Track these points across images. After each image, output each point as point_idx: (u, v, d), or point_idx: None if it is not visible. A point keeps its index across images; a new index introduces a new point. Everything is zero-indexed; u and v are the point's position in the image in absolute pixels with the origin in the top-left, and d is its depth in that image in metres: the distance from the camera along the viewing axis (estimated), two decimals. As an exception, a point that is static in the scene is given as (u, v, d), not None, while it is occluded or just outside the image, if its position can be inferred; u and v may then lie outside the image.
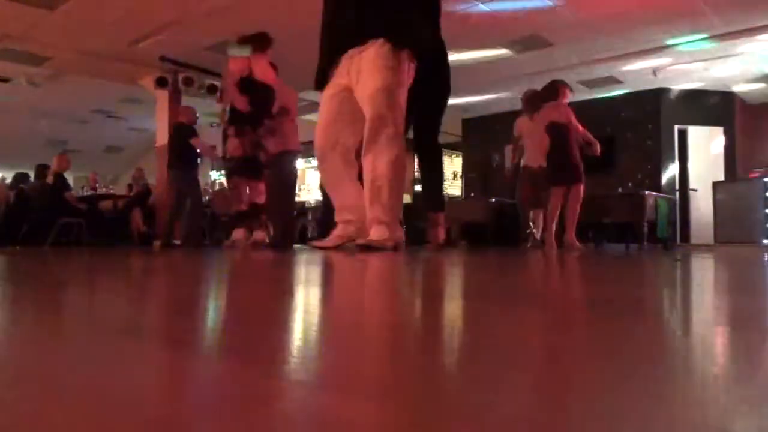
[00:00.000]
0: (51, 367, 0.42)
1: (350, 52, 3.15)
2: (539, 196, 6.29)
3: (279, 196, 5.43)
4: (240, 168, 5.23)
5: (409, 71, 3.15)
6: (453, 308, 0.87)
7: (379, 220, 3.10)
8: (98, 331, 0.61)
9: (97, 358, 0.47)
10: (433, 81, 3.43)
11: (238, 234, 5.34)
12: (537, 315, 0.79)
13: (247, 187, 5.34)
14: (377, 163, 3.08)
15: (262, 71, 5.01)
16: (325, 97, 3.32)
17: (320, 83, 3.35)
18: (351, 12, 3.17)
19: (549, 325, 0.70)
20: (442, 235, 3.71)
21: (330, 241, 3.29)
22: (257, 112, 5.03)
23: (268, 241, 5.31)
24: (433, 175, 3.87)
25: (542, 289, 1.27)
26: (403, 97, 3.11)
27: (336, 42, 3.25)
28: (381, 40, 3.06)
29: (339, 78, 3.22)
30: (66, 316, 0.80)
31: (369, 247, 2.98)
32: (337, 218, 3.38)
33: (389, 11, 3.13)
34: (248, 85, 5.04)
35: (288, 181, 5.58)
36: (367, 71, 3.09)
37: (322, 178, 3.57)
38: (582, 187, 6.03)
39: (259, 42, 5.05)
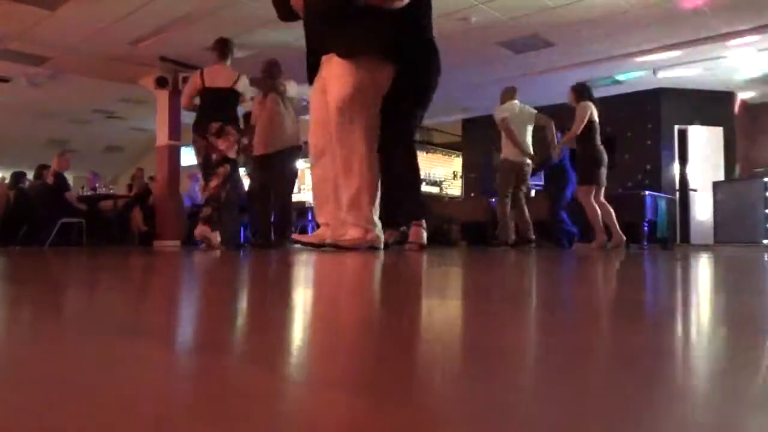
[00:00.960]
0: (51, 367, 0.42)
1: (323, 58, 3.30)
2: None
3: (278, 194, 5.45)
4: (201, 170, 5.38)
5: (377, 75, 3.20)
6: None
7: (353, 222, 3.15)
8: (99, 331, 0.61)
9: (97, 358, 0.47)
10: (412, 82, 3.42)
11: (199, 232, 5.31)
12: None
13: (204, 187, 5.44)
14: (343, 168, 3.17)
15: (224, 78, 5.16)
16: (314, 92, 3.40)
17: (312, 79, 3.45)
18: (316, 21, 3.31)
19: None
20: (423, 236, 3.59)
21: (314, 237, 3.33)
22: (211, 118, 5.13)
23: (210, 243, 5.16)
24: (410, 176, 3.77)
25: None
26: (368, 100, 3.17)
27: (311, 45, 3.41)
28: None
29: (322, 74, 3.34)
30: (71, 317, 0.80)
31: (341, 247, 3.02)
32: (318, 219, 3.46)
33: (352, 20, 3.18)
34: (206, 92, 5.19)
35: (286, 178, 5.58)
36: (329, 79, 3.21)
37: (313, 176, 3.55)
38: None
39: (219, 49, 5.27)
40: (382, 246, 3.27)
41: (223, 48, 5.26)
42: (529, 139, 6.54)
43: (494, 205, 6.64)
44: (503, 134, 6.37)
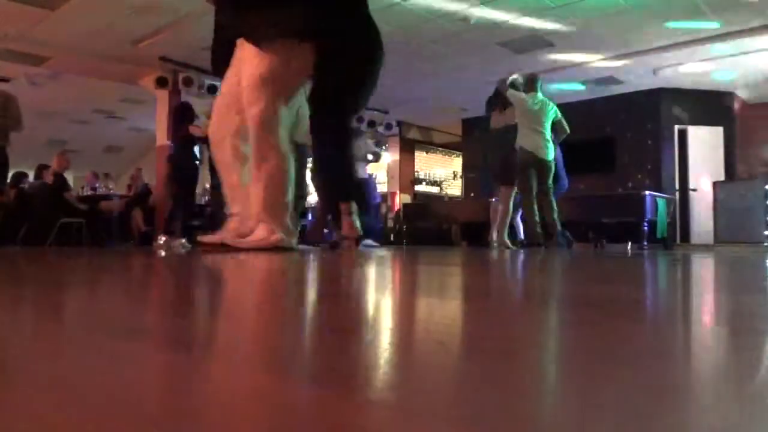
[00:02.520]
0: (51, 367, 0.42)
1: (237, 42, 3.08)
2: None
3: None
4: None
5: (294, 60, 2.96)
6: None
7: (258, 219, 2.94)
8: (97, 331, 0.61)
9: (98, 358, 0.47)
10: (342, 63, 3.15)
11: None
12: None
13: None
14: (253, 160, 2.95)
15: None
16: (226, 77, 3.19)
17: (218, 71, 3.24)
18: (229, 5, 3.10)
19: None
20: (354, 228, 3.33)
21: (218, 236, 3.08)
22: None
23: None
24: (337, 154, 3.44)
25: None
26: (282, 85, 2.94)
27: (224, 34, 3.20)
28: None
29: (234, 61, 3.11)
30: (70, 317, 0.80)
31: (229, 247, 2.83)
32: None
33: (266, 1, 2.97)
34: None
35: None
36: (242, 61, 2.99)
37: (216, 162, 3.33)
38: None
39: None
40: (293, 246, 3.03)
41: None
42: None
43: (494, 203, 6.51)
44: (519, 120, 6.11)
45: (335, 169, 3.47)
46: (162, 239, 5.11)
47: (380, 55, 3.31)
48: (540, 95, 6.12)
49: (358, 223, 3.36)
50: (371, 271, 1.75)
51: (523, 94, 6.05)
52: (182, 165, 6.77)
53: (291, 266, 2.01)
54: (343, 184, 3.51)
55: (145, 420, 0.30)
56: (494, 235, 6.23)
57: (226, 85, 3.21)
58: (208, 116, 5.51)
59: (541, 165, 5.99)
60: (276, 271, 1.78)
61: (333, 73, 3.13)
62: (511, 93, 6.06)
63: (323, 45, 3.03)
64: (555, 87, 9.04)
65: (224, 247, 2.89)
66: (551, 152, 6.06)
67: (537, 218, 5.94)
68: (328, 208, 3.44)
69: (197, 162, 6.96)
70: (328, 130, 3.29)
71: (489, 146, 6.79)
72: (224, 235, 3.02)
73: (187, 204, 6.91)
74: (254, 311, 0.83)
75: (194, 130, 6.56)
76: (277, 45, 2.92)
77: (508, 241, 6.24)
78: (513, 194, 6.16)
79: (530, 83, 6.17)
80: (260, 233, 2.91)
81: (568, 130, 6.22)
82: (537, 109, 6.05)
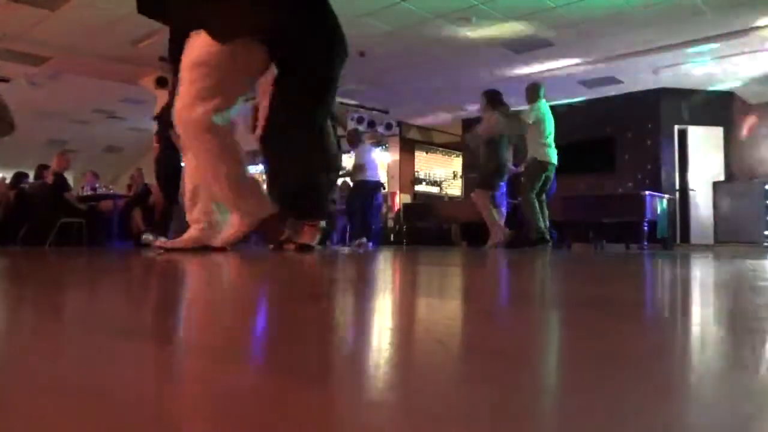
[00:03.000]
0: (51, 367, 0.42)
1: (192, 35, 2.90)
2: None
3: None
4: None
5: (242, 58, 2.80)
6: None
7: (197, 220, 2.83)
8: (96, 331, 0.61)
9: (97, 358, 0.47)
10: (301, 64, 3.02)
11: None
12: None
13: None
14: (195, 158, 2.81)
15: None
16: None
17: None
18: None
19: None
20: (312, 237, 3.24)
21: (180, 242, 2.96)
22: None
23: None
24: (300, 168, 3.26)
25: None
26: (224, 81, 2.77)
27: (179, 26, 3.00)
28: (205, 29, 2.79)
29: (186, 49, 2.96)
30: (70, 317, 0.80)
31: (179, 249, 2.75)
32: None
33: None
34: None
35: None
36: (191, 45, 2.82)
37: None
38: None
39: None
40: (218, 245, 2.90)
41: None
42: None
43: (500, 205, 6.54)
44: (533, 133, 6.25)
45: (292, 183, 3.29)
46: (149, 238, 5.11)
47: (343, 57, 3.17)
48: (544, 102, 6.25)
49: (317, 236, 3.26)
50: (371, 272, 1.75)
51: (533, 113, 6.20)
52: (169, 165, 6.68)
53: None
54: (310, 199, 3.33)
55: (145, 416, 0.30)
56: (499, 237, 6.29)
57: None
58: None
59: (551, 171, 6.24)
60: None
61: (296, 76, 3.02)
62: (524, 114, 6.21)
63: (280, 44, 2.89)
64: (555, 87, 9.05)
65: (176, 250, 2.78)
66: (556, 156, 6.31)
67: (537, 219, 6.09)
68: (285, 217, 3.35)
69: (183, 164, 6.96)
70: (287, 139, 3.15)
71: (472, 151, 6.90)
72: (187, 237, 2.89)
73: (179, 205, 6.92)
74: (249, 310, 0.83)
75: None
76: (228, 41, 2.75)
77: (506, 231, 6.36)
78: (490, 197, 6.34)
79: (532, 92, 6.29)
80: (193, 233, 2.79)
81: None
82: (547, 118, 6.25)
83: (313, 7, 3.03)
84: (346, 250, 5.35)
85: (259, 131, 3.24)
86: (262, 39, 2.84)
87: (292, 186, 3.25)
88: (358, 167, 7.85)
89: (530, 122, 6.17)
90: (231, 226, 2.85)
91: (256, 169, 14.62)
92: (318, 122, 3.24)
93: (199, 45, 2.77)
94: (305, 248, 3.18)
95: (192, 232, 2.91)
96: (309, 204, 3.30)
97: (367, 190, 7.90)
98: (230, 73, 2.78)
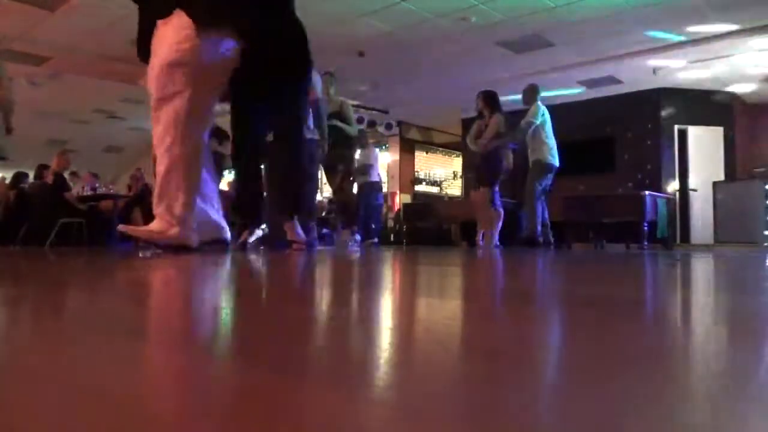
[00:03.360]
0: (51, 367, 0.42)
1: (159, 23, 2.83)
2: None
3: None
4: None
5: (213, 49, 2.73)
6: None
7: (159, 214, 2.72)
8: (98, 331, 0.61)
9: (96, 358, 0.47)
10: (263, 65, 2.99)
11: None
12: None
13: None
14: (158, 149, 2.74)
15: None
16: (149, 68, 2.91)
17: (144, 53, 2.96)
18: None
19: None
20: (295, 231, 3.22)
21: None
22: None
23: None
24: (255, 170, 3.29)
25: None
26: (197, 76, 2.69)
27: (148, 11, 2.93)
28: (180, 12, 2.73)
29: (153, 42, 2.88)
30: (69, 316, 0.80)
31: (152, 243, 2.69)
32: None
33: None
34: None
35: None
36: (157, 44, 2.76)
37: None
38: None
39: None
40: (192, 245, 2.78)
41: None
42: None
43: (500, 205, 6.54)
44: (535, 135, 6.30)
45: (243, 187, 3.30)
46: None
47: (306, 58, 3.18)
48: (540, 104, 6.31)
49: (299, 230, 3.30)
50: (371, 272, 1.75)
51: (539, 112, 6.26)
52: None
53: (273, 265, 2.01)
54: (288, 197, 3.36)
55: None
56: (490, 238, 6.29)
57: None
58: None
59: (553, 172, 6.32)
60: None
61: (260, 76, 2.99)
62: (530, 116, 6.25)
63: (252, 45, 2.85)
64: (555, 87, 9.05)
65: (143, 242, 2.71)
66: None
67: (539, 220, 6.14)
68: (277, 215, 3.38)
69: None
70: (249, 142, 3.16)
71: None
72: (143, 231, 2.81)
73: None
74: (249, 310, 0.83)
75: None
76: (204, 34, 2.69)
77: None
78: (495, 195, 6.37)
79: (533, 93, 6.35)
80: (156, 225, 2.69)
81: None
82: (547, 119, 6.31)
83: (284, 14, 3.05)
84: (355, 249, 5.36)
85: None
86: (240, 40, 2.78)
87: (278, 186, 3.34)
88: (368, 167, 7.88)
89: (537, 122, 6.21)
90: (152, 225, 2.73)
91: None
92: (286, 129, 3.30)
93: (168, 43, 2.71)
94: (308, 245, 3.26)
95: (154, 225, 2.75)
96: (287, 201, 3.37)
97: (373, 191, 7.95)
98: (208, 66, 2.72)
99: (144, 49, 2.93)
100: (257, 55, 2.91)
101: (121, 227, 2.85)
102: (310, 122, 5.03)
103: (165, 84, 2.70)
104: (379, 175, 8.35)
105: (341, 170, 6.25)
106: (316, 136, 5.10)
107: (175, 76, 2.69)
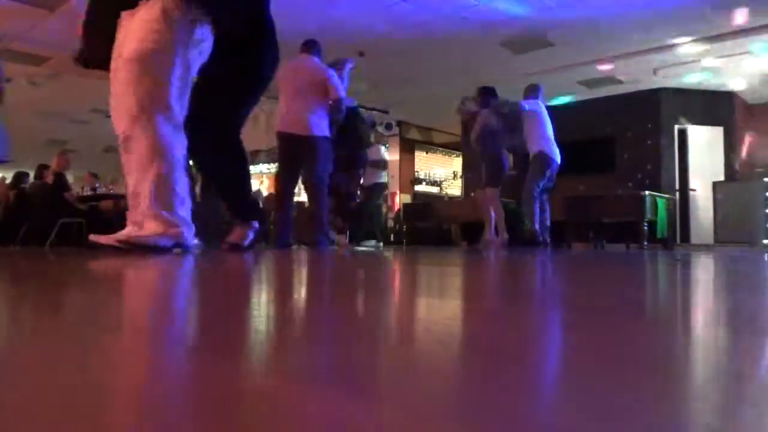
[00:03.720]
0: (50, 367, 0.42)
1: (123, 14, 2.67)
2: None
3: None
4: None
5: (188, 37, 2.61)
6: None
7: (151, 214, 2.59)
8: (96, 330, 0.61)
9: (94, 357, 0.47)
10: (236, 64, 2.93)
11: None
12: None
13: None
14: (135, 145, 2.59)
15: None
16: (113, 62, 2.72)
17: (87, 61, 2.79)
18: None
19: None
20: (243, 237, 3.13)
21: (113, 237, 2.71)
22: None
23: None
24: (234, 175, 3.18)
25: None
26: (165, 65, 2.56)
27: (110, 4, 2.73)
28: (147, 2, 2.58)
29: (118, 36, 2.69)
30: (65, 316, 0.80)
31: (137, 246, 2.54)
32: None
33: None
34: None
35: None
36: (128, 35, 2.59)
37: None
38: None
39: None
40: (189, 244, 2.69)
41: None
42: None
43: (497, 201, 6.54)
44: (533, 125, 6.28)
45: (220, 185, 3.19)
46: None
47: (276, 63, 3.12)
48: (541, 103, 6.32)
49: (250, 234, 3.15)
50: (371, 272, 1.75)
51: (538, 101, 6.24)
52: None
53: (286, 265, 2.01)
54: (238, 201, 3.22)
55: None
56: (488, 235, 6.29)
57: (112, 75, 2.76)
58: None
59: (555, 168, 6.30)
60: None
61: (228, 72, 2.90)
62: (528, 108, 6.23)
63: (226, 35, 2.75)
64: (555, 87, 9.05)
65: (126, 246, 2.55)
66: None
67: (536, 218, 6.14)
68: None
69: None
70: (211, 138, 3.01)
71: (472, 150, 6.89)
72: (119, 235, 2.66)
73: None
74: (248, 310, 0.83)
75: None
76: (179, 17, 2.56)
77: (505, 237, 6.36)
78: (499, 195, 6.36)
79: (533, 91, 6.36)
80: (152, 227, 2.55)
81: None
82: (546, 117, 6.33)
83: (261, 7, 3.00)
84: (361, 248, 5.37)
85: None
86: (214, 28, 2.68)
87: (222, 188, 3.21)
88: (382, 164, 7.90)
89: (527, 108, 6.20)
90: (148, 226, 2.59)
91: (257, 169, 14.66)
92: (228, 122, 3.12)
93: (137, 37, 2.54)
94: (234, 247, 3.05)
95: (151, 226, 2.62)
96: (237, 204, 3.22)
97: (381, 191, 7.96)
98: (172, 51, 2.57)
99: (96, 49, 2.71)
100: (229, 52, 2.82)
101: (124, 237, 2.62)
102: (326, 121, 4.95)
103: (142, 70, 2.53)
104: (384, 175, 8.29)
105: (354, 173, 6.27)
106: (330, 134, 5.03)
107: (151, 61, 2.54)
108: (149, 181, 2.59)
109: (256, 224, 3.23)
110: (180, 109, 2.67)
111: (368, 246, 6.26)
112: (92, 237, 2.72)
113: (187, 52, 2.63)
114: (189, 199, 2.76)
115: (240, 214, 3.22)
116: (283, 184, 5.09)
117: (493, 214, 6.34)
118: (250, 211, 3.24)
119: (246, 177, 3.30)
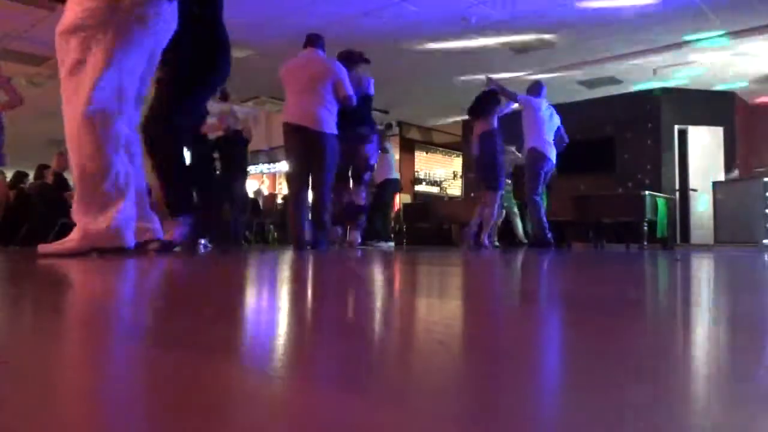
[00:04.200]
0: (50, 366, 0.42)
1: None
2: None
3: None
4: None
5: (142, 18, 2.47)
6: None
7: (80, 213, 2.42)
8: (96, 333, 0.61)
9: (94, 358, 0.47)
10: (191, 52, 2.87)
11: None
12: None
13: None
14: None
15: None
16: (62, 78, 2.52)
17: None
18: None
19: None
20: (175, 234, 2.97)
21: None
22: None
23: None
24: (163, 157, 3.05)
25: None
26: (110, 44, 2.41)
27: None
28: None
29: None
30: (64, 317, 0.80)
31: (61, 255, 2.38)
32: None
33: None
34: None
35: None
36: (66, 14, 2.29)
37: None
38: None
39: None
40: (126, 245, 2.45)
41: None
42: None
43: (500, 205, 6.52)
44: (529, 121, 6.25)
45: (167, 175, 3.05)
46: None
47: (227, 66, 3.06)
48: (545, 102, 6.28)
49: (184, 231, 3.00)
50: (371, 272, 1.74)
51: (537, 99, 6.21)
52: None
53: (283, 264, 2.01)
54: (177, 194, 3.08)
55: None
56: (485, 239, 6.26)
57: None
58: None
59: (550, 167, 6.22)
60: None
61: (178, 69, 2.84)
62: (524, 98, 6.20)
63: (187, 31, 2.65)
64: (555, 87, 9.04)
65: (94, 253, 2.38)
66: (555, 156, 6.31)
67: (542, 220, 6.12)
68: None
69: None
70: (161, 126, 2.94)
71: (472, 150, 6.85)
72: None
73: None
74: (247, 310, 0.83)
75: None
76: None
77: (494, 241, 6.36)
78: (499, 197, 6.28)
79: (536, 89, 6.33)
80: (74, 234, 2.38)
81: (567, 140, 6.40)
82: (548, 115, 6.25)
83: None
84: (370, 248, 5.36)
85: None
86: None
87: (165, 180, 3.08)
88: (394, 164, 7.91)
89: (522, 97, 6.19)
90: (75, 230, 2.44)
91: (257, 169, 14.62)
92: (177, 120, 3.06)
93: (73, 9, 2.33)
94: (165, 246, 2.85)
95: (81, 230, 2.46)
96: (168, 193, 3.08)
97: (393, 189, 7.88)
98: (113, 36, 2.36)
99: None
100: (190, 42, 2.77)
101: (42, 248, 2.44)
102: (335, 117, 4.83)
103: (75, 48, 2.32)
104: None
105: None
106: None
107: (83, 37, 2.35)
108: (80, 163, 2.46)
109: (185, 219, 3.04)
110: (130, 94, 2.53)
111: (378, 246, 6.19)
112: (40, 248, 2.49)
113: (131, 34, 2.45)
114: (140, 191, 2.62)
115: (169, 205, 3.05)
116: (297, 179, 4.89)
117: (491, 218, 6.30)
118: (177, 204, 3.05)
119: (183, 167, 3.15)
